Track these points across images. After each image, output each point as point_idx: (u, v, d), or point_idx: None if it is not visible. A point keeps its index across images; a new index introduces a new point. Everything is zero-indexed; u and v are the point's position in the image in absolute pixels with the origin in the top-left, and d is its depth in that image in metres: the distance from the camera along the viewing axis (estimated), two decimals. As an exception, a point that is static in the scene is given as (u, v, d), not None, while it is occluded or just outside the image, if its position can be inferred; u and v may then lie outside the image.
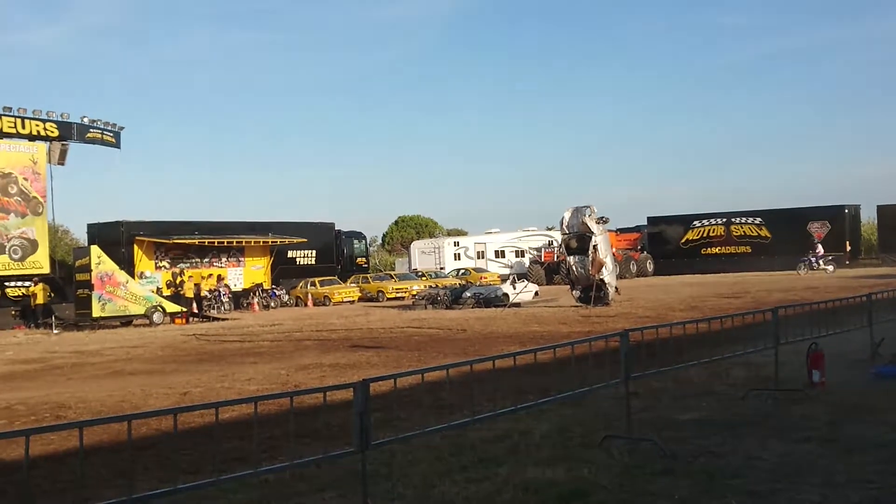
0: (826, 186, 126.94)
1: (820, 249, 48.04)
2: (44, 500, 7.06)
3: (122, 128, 42.44)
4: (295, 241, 46.64)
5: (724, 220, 58.91)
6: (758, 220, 57.70)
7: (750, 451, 7.96)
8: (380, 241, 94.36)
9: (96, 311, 33.17)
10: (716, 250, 58.30)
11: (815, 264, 47.03)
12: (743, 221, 58.23)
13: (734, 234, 58.36)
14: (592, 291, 30.61)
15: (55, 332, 32.45)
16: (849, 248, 53.95)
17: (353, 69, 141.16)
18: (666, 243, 60.50)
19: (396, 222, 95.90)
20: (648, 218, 63.11)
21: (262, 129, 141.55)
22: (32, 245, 38.19)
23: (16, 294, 36.32)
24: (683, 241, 60.00)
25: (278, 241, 45.83)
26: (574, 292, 32.48)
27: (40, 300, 35.65)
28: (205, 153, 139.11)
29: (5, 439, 5.97)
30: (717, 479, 7.06)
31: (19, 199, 37.92)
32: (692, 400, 10.68)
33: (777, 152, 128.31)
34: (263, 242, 45.52)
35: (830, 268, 45.96)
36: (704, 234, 59.48)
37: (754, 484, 6.90)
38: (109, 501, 5.51)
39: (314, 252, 49.51)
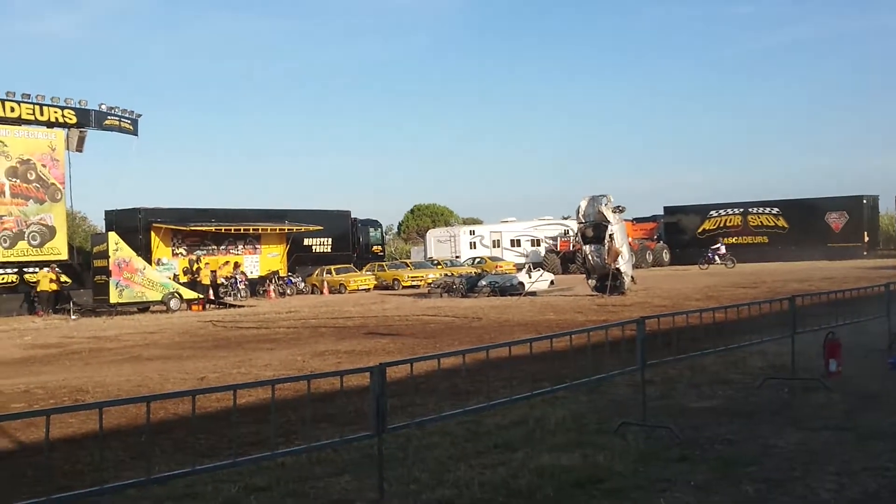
0: (844, 177, 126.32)
1: (721, 248, 51.08)
2: (63, 481, 7.12)
3: (139, 115, 42.60)
4: (311, 228, 46.70)
5: (741, 210, 58.72)
6: (775, 211, 57.50)
7: (766, 438, 7.95)
8: (395, 229, 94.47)
9: (114, 298, 33.35)
10: (732, 240, 58.09)
11: (713, 260, 49.94)
12: (760, 211, 58.04)
13: (751, 224, 58.18)
14: (608, 280, 30.56)
15: (73, 317, 32.65)
16: (867, 239, 53.74)
17: (371, 58, 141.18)
18: (682, 233, 60.35)
19: (412, 210, 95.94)
20: (665, 207, 62.98)
21: (279, 117, 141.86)
22: (51, 231, 38.41)
23: (34, 280, 36.53)
24: (700, 230, 59.85)
25: (294, 228, 45.88)
26: (590, 281, 32.43)
27: (43, 287, 35.76)
28: (222, 141, 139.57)
29: (26, 419, 6.01)
30: (732, 466, 7.05)
31: (38, 185, 38.12)
32: (708, 388, 10.66)
33: (795, 142, 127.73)
34: (280, 230, 45.61)
35: (730, 263, 49.00)
36: (721, 224, 59.32)
37: (770, 471, 6.89)
38: (128, 482, 5.57)
39: (330, 240, 49.56)
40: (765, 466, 7.04)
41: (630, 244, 35.09)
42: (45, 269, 36.44)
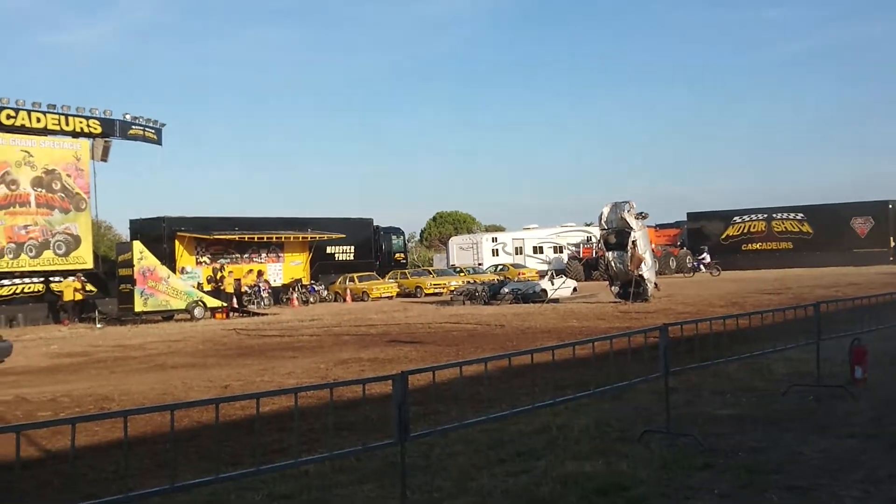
0: (869, 182, 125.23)
1: (707, 257, 52.40)
2: (89, 489, 7.17)
3: (163, 124, 42.90)
4: (334, 236, 46.84)
5: (765, 215, 58.35)
6: (799, 216, 57.10)
7: (791, 446, 7.89)
8: (418, 236, 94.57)
9: (138, 306, 33.57)
10: (756, 246, 57.79)
11: (699, 267, 51.35)
12: (784, 217, 57.65)
13: (775, 229, 57.79)
14: (631, 287, 30.46)
15: (98, 326, 32.90)
16: (893, 244, 53.25)
17: (393, 66, 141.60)
18: (706, 239, 60.02)
19: (435, 218, 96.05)
20: (688, 213, 62.70)
21: (301, 125, 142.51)
22: (76, 240, 38.73)
23: (59, 289, 36.84)
24: (724, 236, 59.53)
25: (317, 236, 46.04)
26: (613, 288, 32.35)
27: (68, 296, 36.05)
28: (245, 149, 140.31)
29: (53, 427, 6.06)
30: (757, 474, 7.01)
31: (63, 195, 38.46)
32: (732, 395, 10.59)
33: (820, 147, 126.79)
34: (302, 238, 45.76)
35: (714, 271, 50.25)
36: (745, 230, 58.97)
37: (795, 479, 6.84)
38: (152, 490, 5.60)
39: (353, 248, 49.68)
40: (790, 474, 6.99)
41: (653, 251, 34.97)
42: (71, 279, 36.77)
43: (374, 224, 52.77)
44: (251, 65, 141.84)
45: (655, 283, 31.66)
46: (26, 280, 36.70)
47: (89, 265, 38.97)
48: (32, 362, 20.62)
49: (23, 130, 36.96)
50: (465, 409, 8.05)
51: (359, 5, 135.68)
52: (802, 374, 11.36)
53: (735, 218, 59.58)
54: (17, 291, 36.40)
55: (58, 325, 34.79)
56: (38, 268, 37.09)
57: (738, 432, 8.55)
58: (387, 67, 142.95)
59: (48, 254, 37.58)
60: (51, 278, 37.02)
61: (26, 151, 37.21)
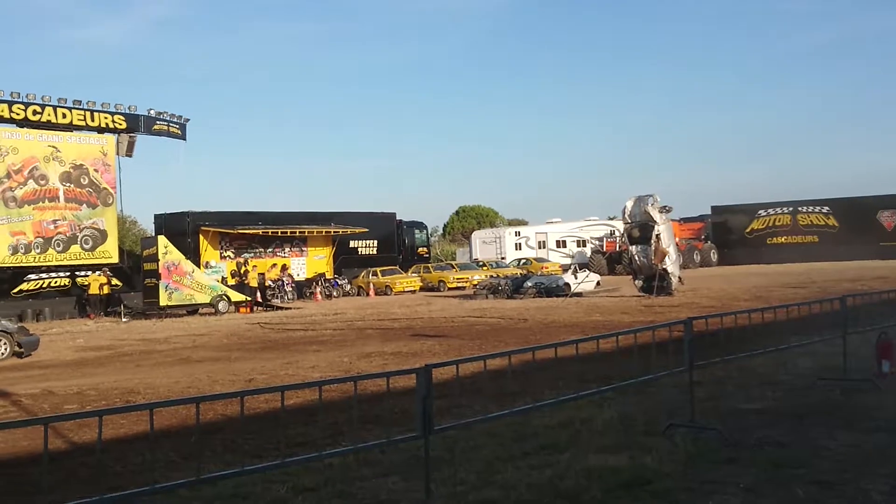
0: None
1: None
2: (115, 481, 7.24)
3: (187, 119, 43.15)
4: (357, 231, 46.95)
5: (791, 209, 57.95)
6: (825, 209, 56.66)
7: (817, 440, 7.84)
8: (441, 231, 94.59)
9: (163, 300, 33.81)
10: (782, 240, 57.40)
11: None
12: (810, 210, 57.23)
13: (801, 223, 57.39)
14: (655, 281, 30.33)
15: (124, 320, 33.14)
16: (920, 238, 52.77)
17: (416, 59, 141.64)
18: (730, 233, 59.71)
19: (457, 212, 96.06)
20: (712, 207, 62.34)
21: (324, 119, 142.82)
22: (102, 235, 39.06)
23: (85, 283, 37.17)
24: (748, 230, 59.20)
25: (340, 231, 46.17)
26: (636, 282, 32.22)
27: (94, 290, 36.37)
28: (268, 144, 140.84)
29: (79, 420, 6.11)
30: (782, 468, 6.97)
31: (90, 190, 38.80)
32: (757, 389, 10.54)
33: (845, 139, 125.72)
34: (326, 232, 45.91)
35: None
36: (770, 224, 58.59)
37: (821, 474, 6.79)
38: (178, 482, 5.64)
39: (376, 242, 49.78)
40: (815, 468, 6.94)
41: (677, 244, 34.81)
42: (97, 273, 37.07)
43: (398, 218, 52.84)
44: (275, 59, 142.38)
45: (679, 277, 31.51)
46: (53, 274, 37.08)
47: (115, 259, 39.30)
48: (59, 356, 20.81)
49: (49, 126, 37.32)
50: (488, 402, 8.07)
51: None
52: (828, 368, 11.27)
53: (760, 211, 59.21)
54: (44, 286, 36.79)
55: (83, 318, 35.07)
56: (65, 262, 37.47)
57: (763, 426, 8.50)
58: (411, 60, 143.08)
59: (75, 248, 37.93)
60: (77, 272, 37.34)
61: (53, 147, 37.57)
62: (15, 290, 35.96)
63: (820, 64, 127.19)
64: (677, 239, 38.35)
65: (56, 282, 37.08)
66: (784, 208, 58.27)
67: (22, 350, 20.37)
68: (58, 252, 37.33)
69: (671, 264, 30.72)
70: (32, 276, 36.50)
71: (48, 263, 37.06)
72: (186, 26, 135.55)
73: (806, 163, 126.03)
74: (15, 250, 36.09)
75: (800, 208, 57.69)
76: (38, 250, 36.73)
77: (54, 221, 37.41)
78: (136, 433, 9.76)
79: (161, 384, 14.58)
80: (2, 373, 17.82)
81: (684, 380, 8.48)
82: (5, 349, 20.10)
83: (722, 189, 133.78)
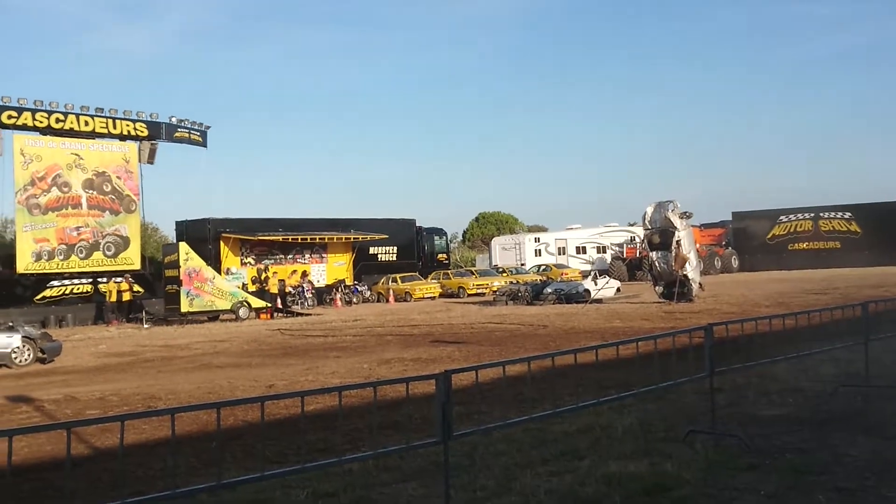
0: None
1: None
2: (137, 486, 7.29)
3: (208, 127, 43.37)
4: (376, 237, 47.05)
5: (812, 214, 57.61)
6: (847, 215, 56.28)
7: (838, 447, 7.79)
8: (460, 237, 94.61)
9: (184, 307, 33.98)
10: (803, 246, 57.07)
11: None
12: (832, 216, 56.87)
13: (822, 229, 57.04)
14: (675, 287, 30.23)
15: (145, 326, 33.34)
16: (944, 244, 52.31)
17: (435, 67, 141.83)
18: (751, 239, 59.41)
19: (477, 218, 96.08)
20: (733, 213, 62.09)
21: (344, 126, 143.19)
22: (125, 242, 39.33)
23: (104, 290, 37.41)
24: (769, 236, 58.89)
25: (360, 237, 46.29)
26: (657, 288, 32.12)
27: (112, 298, 36.54)
28: (288, 151, 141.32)
29: (101, 425, 6.16)
30: (804, 475, 6.93)
31: (113, 197, 39.09)
32: (778, 396, 10.48)
33: (868, 144, 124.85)
34: (346, 239, 46.04)
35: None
36: (791, 230, 58.27)
37: (843, 481, 6.75)
38: (199, 486, 5.67)
39: (395, 248, 49.84)
40: (837, 476, 6.90)
41: (697, 250, 34.68)
42: (118, 280, 37.28)
43: (417, 225, 52.88)
44: (293, 67, 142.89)
45: (700, 283, 31.39)
46: (76, 281, 37.34)
47: (137, 266, 39.54)
48: (81, 362, 20.97)
49: (72, 134, 37.66)
50: (508, 408, 8.07)
51: (398, 7, 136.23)
52: (850, 374, 11.19)
53: (781, 217, 58.89)
54: (67, 292, 37.07)
55: (102, 325, 35.24)
56: (88, 269, 37.73)
57: (784, 433, 8.46)
58: (428, 68, 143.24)
59: (97, 255, 38.21)
60: (99, 279, 37.58)
61: (76, 154, 37.89)
62: (38, 297, 36.25)
63: (841, 69, 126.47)
64: (698, 245, 38.21)
65: (79, 288, 37.35)
66: (805, 214, 57.94)
67: (45, 356, 20.56)
68: (80, 259, 37.62)
69: (692, 270, 30.61)
70: (55, 283, 36.79)
71: (71, 270, 37.34)
72: (208, 35, 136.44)
73: (828, 168, 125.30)
74: (38, 257, 36.38)
75: (821, 214, 57.34)
76: (62, 257, 37.02)
77: (77, 228, 37.71)
78: (158, 438, 9.82)
79: (182, 390, 14.65)
80: (25, 378, 17.98)
81: (704, 386, 8.44)
82: (29, 355, 20.27)
83: (743, 195, 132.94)
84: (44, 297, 36.37)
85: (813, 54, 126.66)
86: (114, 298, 36.55)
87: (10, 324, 22.03)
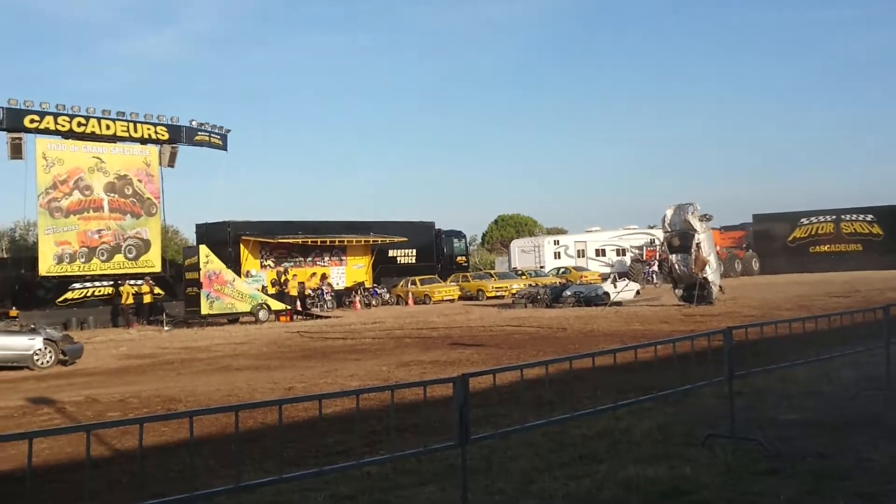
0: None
1: (655, 266, 49.47)
2: (156, 488, 7.32)
3: (228, 130, 43.55)
4: (396, 240, 47.06)
5: (834, 217, 57.19)
6: (869, 217, 55.85)
7: (860, 452, 7.72)
8: (480, 239, 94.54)
9: (204, 309, 34.13)
10: (824, 248, 56.68)
11: (649, 277, 49.40)
12: (853, 219, 56.45)
13: (844, 231, 56.61)
14: (695, 290, 30.10)
15: (166, 328, 33.51)
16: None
17: (453, 70, 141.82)
18: (772, 241, 59.05)
19: (496, 221, 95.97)
20: (754, 215, 61.73)
21: (363, 129, 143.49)
22: (146, 245, 39.54)
23: (128, 292, 37.58)
24: (790, 239, 58.51)
25: (379, 240, 46.32)
26: (676, 291, 32.00)
27: (126, 300, 36.72)
28: (307, 154, 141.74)
29: (121, 427, 6.20)
30: (824, 479, 6.87)
31: (135, 200, 39.31)
32: (798, 400, 10.40)
33: (889, 146, 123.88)
34: (365, 242, 46.09)
35: (658, 282, 47.48)
36: (812, 232, 57.87)
37: (864, 485, 6.69)
38: (217, 489, 5.70)
39: (415, 251, 49.83)
40: (858, 480, 6.84)
41: (718, 253, 34.52)
42: (136, 282, 37.43)
43: (436, 227, 52.88)
44: (314, 71, 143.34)
45: (720, 286, 31.25)
46: (97, 283, 37.54)
47: (158, 269, 39.73)
48: (102, 364, 21.11)
49: (93, 137, 37.90)
50: (526, 412, 8.05)
51: (418, 9, 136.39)
52: (872, 378, 11.09)
53: (802, 219, 58.51)
54: (88, 294, 37.28)
55: (117, 328, 35.27)
56: (109, 271, 37.94)
57: (804, 437, 8.40)
58: (446, 72, 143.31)
59: (119, 258, 38.44)
60: (120, 282, 37.75)
61: (98, 158, 38.11)
62: (60, 299, 36.47)
63: (862, 70, 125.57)
64: (718, 247, 38.05)
65: (100, 291, 37.56)
66: (827, 216, 57.54)
67: (66, 358, 20.71)
68: (102, 261, 37.84)
69: (711, 273, 30.49)
70: (77, 286, 37.00)
71: (92, 273, 37.57)
72: (228, 38, 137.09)
73: (849, 170, 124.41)
74: (60, 260, 36.64)
75: (843, 216, 56.92)
76: (83, 260, 37.27)
77: (99, 231, 37.95)
78: (177, 440, 9.86)
79: (202, 392, 14.73)
80: (47, 380, 18.12)
81: (724, 390, 8.40)
82: (51, 357, 20.42)
83: (763, 197, 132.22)
84: (65, 300, 36.59)
85: (835, 57, 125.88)
86: (129, 301, 36.61)
87: (33, 326, 22.19)
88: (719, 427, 8.51)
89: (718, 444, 8.05)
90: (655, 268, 49.11)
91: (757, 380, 10.41)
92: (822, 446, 7.99)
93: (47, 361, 20.30)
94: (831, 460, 7.50)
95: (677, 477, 7.11)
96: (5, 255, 54.07)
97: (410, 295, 44.02)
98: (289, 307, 36.99)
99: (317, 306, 40.61)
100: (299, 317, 36.99)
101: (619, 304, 32.95)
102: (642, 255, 55.59)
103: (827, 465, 7.32)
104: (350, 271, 46.16)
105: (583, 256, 58.76)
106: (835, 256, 55.51)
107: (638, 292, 36.32)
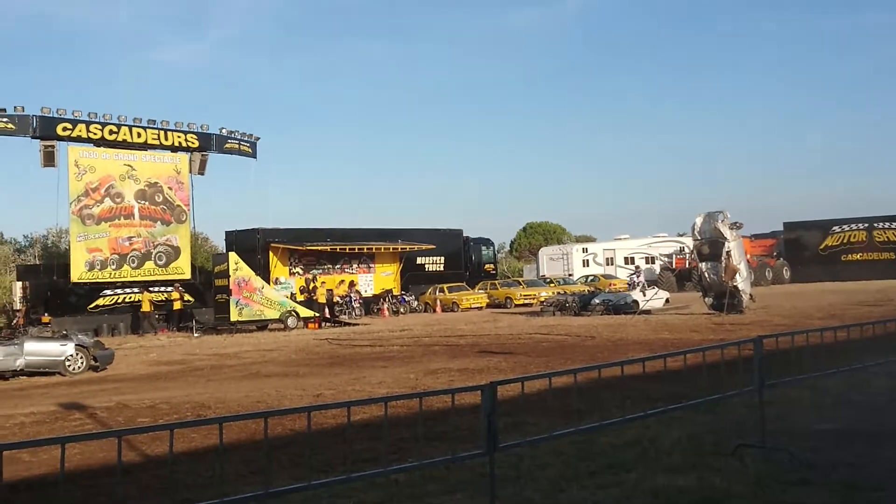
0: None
1: (642, 276, 45.86)
2: (186, 494, 7.38)
3: (257, 138, 43.80)
4: (424, 247, 47.15)
5: (866, 225, 56.58)
6: (903, 225, 55.20)
7: (892, 462, 7.63)
8: (508, 247, 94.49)
9: (234, 316, 34.31)
10: (857, 257, 56.08)
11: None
12: (886, 226, 55.81)
13: (877, 239, 55.99)
14: (726, 298, 29.88)
15: (195, 335, 33.73)
16: None
17: (483, 77, 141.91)
18: (803, 249, 58.51)
19: (525, 229, 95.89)
20: (785, 223, 61.23)
21: (391, 136, 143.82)
22: (176, 252, 39.86)
23: (159, 299, 37.88)
24: (822, 247, 57.94)
25: (408, 247, 46.42)
26: (706, 299, 31.79)
27: (145, 308, 36.84)
28: (336, 161, 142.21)
29: (152, 433, 6.25)
30: (856, 490, 6.80)
31: (165, 207, 39.64)
32: (829, 410, 10.30)
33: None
34: (393, 249, 46.19)
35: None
36: (844, 240, 57.27)
37: (897, 497, 6.62)
38: (247, 495, 5.73)
39: (443, 258, 49.89)
40: (890, 491, 6.77)
41: (748, 261, 34.25)
42: (166, 289, 37.71)
43: (464, 235, 52.89)
44: (342, 77, 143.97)
45: (751, 295, 31.00)
46: (128, 290, 37.85)
47: (188, 276, 40.01)
48: (133, 370, 21.28)
49: (124, 145, 38.29)
50: (554, 420, 8.03)
51: (447, 16, 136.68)
52: (905, 388, 10.98)
53: (834, 227, 57.93)
54: (119, 301, 37.58)
55: (136, 335, 35.46)
56: (139, 278, 38.27)
57: (836, 447, 8.32)
58: (475, 80, 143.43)
59: (149, 264, 38.76)
60: (150, 288, 38.02)
61: (129, 165, 38.50)
62: (91, 306, 36.82)
63: (892, 77, 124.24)
64: (748, 256, 37.75)
65: (130, 297, 37.86)
66: (859, 224, 56.93)
67: (98, 364, 20.89)
68: (132, 268, 38.19)
69: (742, 281, 30.25)
70: (108, 292, 37.33)
71: (123, 279, 37.91)
72: (258, 46, 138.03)
73: (882, 177, 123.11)
74: (91, 266, 37.01)
75: (876, 224, 56.29)
76: (114, 266, 37.63)
77: (129, 238, 38.30)
78: (207, 446, 9.92)
79: (231, 398, 14.80)
80: (78, 386, 18.29)
81: (754, 399, 8.34)
82: (82, 363, 20.61)
83: (795, 205, 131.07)
84: (97, 306, 36.94)
85: (868, 62, 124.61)
86: (147, 308, 36.76)
87: (64, 332, 22.41)
88: (749, 437, 8.45)
89: (749, 454, 7.99)
90: (642, 278, 47.54)
91: (788, 389, 10.32)
92: (853, 457, 7.91)
93: (79, 367, 20.48)
94: (864, 470, 7.42)
95: (707, 487, 7.06)
96: (38, 262, 54.62)
97: (438, 302, 44.05)
98: (317, 314, 37.14)
99: (345, 313, 40.75)
100: (328, 324, 37.11)
101: (648, 312, 32.78)
102: (672, 263, 55.28)
103: (859, 476, 7.24)
104: (378, 279, 46.27)
105: (611, 264, 58.53)
106: (867, 265, 54.89)
107: (667, 300, 36.11)
